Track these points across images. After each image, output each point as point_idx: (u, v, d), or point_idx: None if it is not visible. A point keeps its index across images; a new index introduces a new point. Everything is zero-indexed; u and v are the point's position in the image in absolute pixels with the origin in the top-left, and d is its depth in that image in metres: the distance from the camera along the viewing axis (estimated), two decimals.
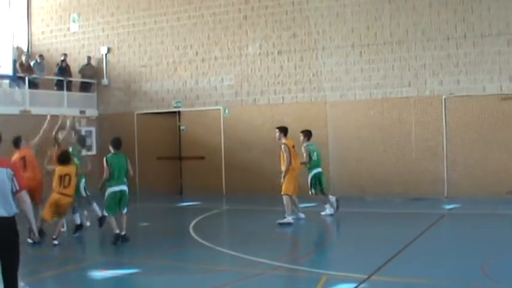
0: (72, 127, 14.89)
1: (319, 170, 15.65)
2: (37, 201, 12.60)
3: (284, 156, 14.48)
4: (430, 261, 10.06)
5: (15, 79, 21.06)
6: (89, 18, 24.11)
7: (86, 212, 14.34)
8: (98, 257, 12.10)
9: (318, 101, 19.93)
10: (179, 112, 22.31)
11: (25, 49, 24.65)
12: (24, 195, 6.93)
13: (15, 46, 22.54)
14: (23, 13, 25.20)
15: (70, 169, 12.55)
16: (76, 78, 23.51)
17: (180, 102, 22.22)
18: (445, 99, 18.33)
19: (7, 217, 6.64)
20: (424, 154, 18.55)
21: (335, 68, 19.72)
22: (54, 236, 12.35)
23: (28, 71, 21.56)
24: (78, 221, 13.53)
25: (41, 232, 12.13)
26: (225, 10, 21.36)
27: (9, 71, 20.66)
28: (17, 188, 6.77)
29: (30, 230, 7.34)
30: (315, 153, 15.60)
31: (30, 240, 11.10)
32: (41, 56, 22.98)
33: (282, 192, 14.61)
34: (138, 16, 23.00)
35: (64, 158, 12.67)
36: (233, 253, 11.30)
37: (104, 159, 12.49)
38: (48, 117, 14.15)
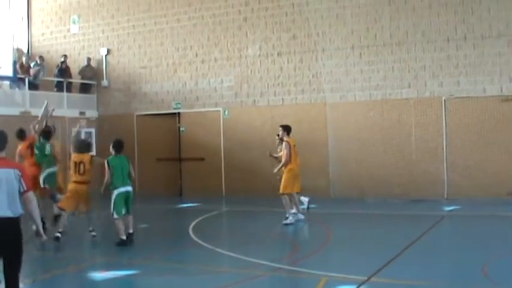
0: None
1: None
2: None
3: (284, 153, 14.55)
4: (430, 263, 10.05)
5: (15, 80, 21.07)
6: (88, 20, 24.11)
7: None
8: (98, 258, 12.09)
9: (318, 102, 19.93)
10: (179, 113, 22.30)
11: (25, 50, 24.65)
12: (31, 196, 7.02)
13: (15, 47, 22.56)
14: (23, 14, 25.20)
15: (84, 157, 12.89)
16: (76, 80, 23.52)
17: (179, 103, 22.21)
18: (445, 100, 18.32)
19: (12, 217, 6.71)
20: (424, 155, 18.55)
21: (335, 70, 19.72)
22: (61, 230, 12.58)
23: (28, 72, 21.56)
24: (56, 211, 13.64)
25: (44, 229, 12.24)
26: (225, 11, 21.36)
27: (10, 73, 20.69)
28: (25, 188, 6.85)
29: (37, 232, 7.37)
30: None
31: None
32: (41, 57, 22.98)
33: (280, 192, 14.65)
34: (138, 18, 23.00)
35: (80, 146, 13.13)
36: (233, 254, 11.29)
37: (105, 161, 12.48)
38: (46, 103, 14.50)
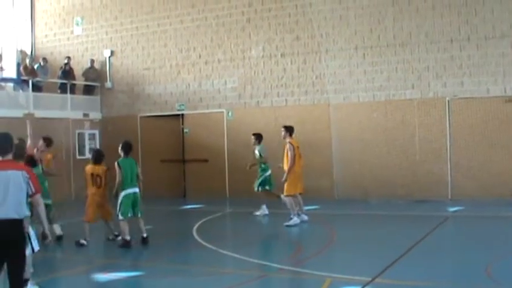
0: None
1: (270, 171, 16.52)
2: None
3: (288, 155, 14.53)
4: (434, 264, 10.04)
5: (19, 82, 21.09)
6: (92, 22, 24.14)
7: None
8: (102, 259, 12.11)
9: (321, 103, 19.93)
10: (182, 115, 22.32)
11: (29, 52, 24.69)
12: (39, 198, 7.15)
13: (19, 49, 22.58)
14: (26, 16, 25.24)
15: (99, 169, 12.84)
16: (79, 81, 23.54)
17: (183, 105, 22.23)
18: (448, 101, 18.31)
19: (17, 219, 6.76)
20: (427, 156, 18.53)
21: (338, 71, 19.71)
22: (86, 237, 12.62)
23: (32, 74, 21.60)
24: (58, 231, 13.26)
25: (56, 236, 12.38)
26: (228, 13, 21.38)
27: (13, 74, 20.70)
28: (33, 190, 6.95)
29: (43, 234, 7.44)
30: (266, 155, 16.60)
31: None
32: (44, 59, 23.02)
33: (284, 194, 14.66)
34: (142, 19, 23.02)
35: (97, 157, 13.02)
36: (237, 256, 11.29)
37: (116, 163, 12.51)
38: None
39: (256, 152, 16.72)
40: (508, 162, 17.53)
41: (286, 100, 20.50)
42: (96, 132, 23.32)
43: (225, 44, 21.48)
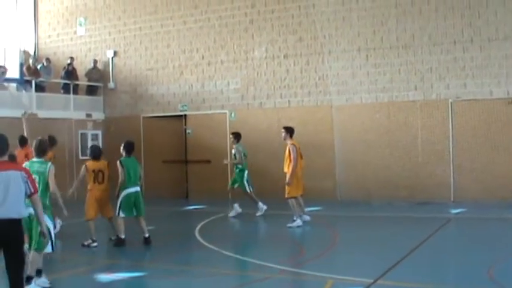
0: None
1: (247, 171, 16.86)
2: None
3: (291, 156, 14.50)
4: (436, 266, 10.04)
5: (22, 82, 21.12)
6: (95, 22, 24.17)
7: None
8: (104, 260, 12.10)
9: (324, 104, 19.92)
10: (185, 116, 22.33)
11: (32, 52, 24.73)
12: (38, 198, 7.26)
13: (22, 49, 22.64)
14: (30, 17, 25.27)
15: (101, 164, 12.79)
16: (82, 82, 23.57)
17: (186, 105, 22.24)
18: (451, 103, 18.30)
19: (17, 219, 6.85)
20: (430, 158, 18.52)
21: (341, 72, 19.71)
22: (93, 238, 12.59)
23: (35, 74, 21.62)
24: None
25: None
26: (231, 14, 21.39)
27: (16, 75, 20.75)
28: (32, 190, 7.05)
29: (42, 232, 7.53)
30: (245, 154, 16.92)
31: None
32: (47, 59, 23.05)
33: (287, 196, 14.64)
34: (145, 20, 23.04)
35: (96, 153, 12.96)
36: (239, 257, 11.30)
37: (118, 162, 12.53)
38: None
39: (233, 151, 16.91)
40: (510, 164, 17.51)
41: (289, 101, 20.50)
42: (99, 132, 23.34)
43: (228, 45, 21.49)
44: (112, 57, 23.75)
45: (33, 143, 9.59)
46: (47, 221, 8.62)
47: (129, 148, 12.80)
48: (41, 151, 9.36)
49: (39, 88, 21.71)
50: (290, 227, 14.44)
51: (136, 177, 12.63)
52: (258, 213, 16.57)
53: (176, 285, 9.70)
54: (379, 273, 9.37)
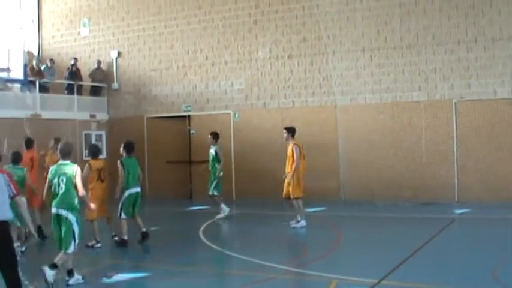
0: None
1: (222, 173, 16.88)
2: (38, 204, 12.85)
3: (294, 156, 14.47)
4: (441, 266, 10.02)
5: (26, 83, 21.15)
6: (99, 23, 24.19)
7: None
8: (107, 260, 12.10)
9: (328, 105, 19.90)
10: (189, 116, 22.33)
11: (36, 53, 24.76)
12: (21, 199, 7.43)
13: (26, 50, 22.66)
14: (33, 17, 25.31)
15: (101, 163, 12.89)
16: (86, 82, 23.58)
17: (190, 106, 22.24)
18: (455, 103, 18.26)
19: (4, 220, 6.96)
20: (434, 158, 18.49)
21: (345, 72, 19.69)
22: (97, 239, 12.62)
23: (39, 75, 21.64)
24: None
25: (40, 233, 12.42)
26: (235, 14, 21.38)
27: (20, 75, 20.76)
28: (14, 192, 7.19)
29: (29, 232, 7.69)
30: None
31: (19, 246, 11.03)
32: (51, 60, 23.07)
33: (292, 196, 14.62)
34: (148, 20, 23.05)
35: (95, 151, 13.02)
36: (243, 257, 11.29)
37: (119, 162, 12.54)
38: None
39: (212, 151, 16.78)
40: None
41: (293, 101, 20.49)
42: (103, 133, 23.35)
43: (232, 46, 21.48)
44: (116, 58, 23.77)
45: (59, 146, 9.81)
46: (74, 223, 8.78)
47: (129, 148, 12.79)
48: (66, 153, 9.44)
49: (43, 89, 21.73)
50: (294, 228, 14.45)
51: (136, 177, 12.63)
52: (219, 216, 16.56)
53: (180, 286, 9.69)
54: (383, 273, 9.37)
